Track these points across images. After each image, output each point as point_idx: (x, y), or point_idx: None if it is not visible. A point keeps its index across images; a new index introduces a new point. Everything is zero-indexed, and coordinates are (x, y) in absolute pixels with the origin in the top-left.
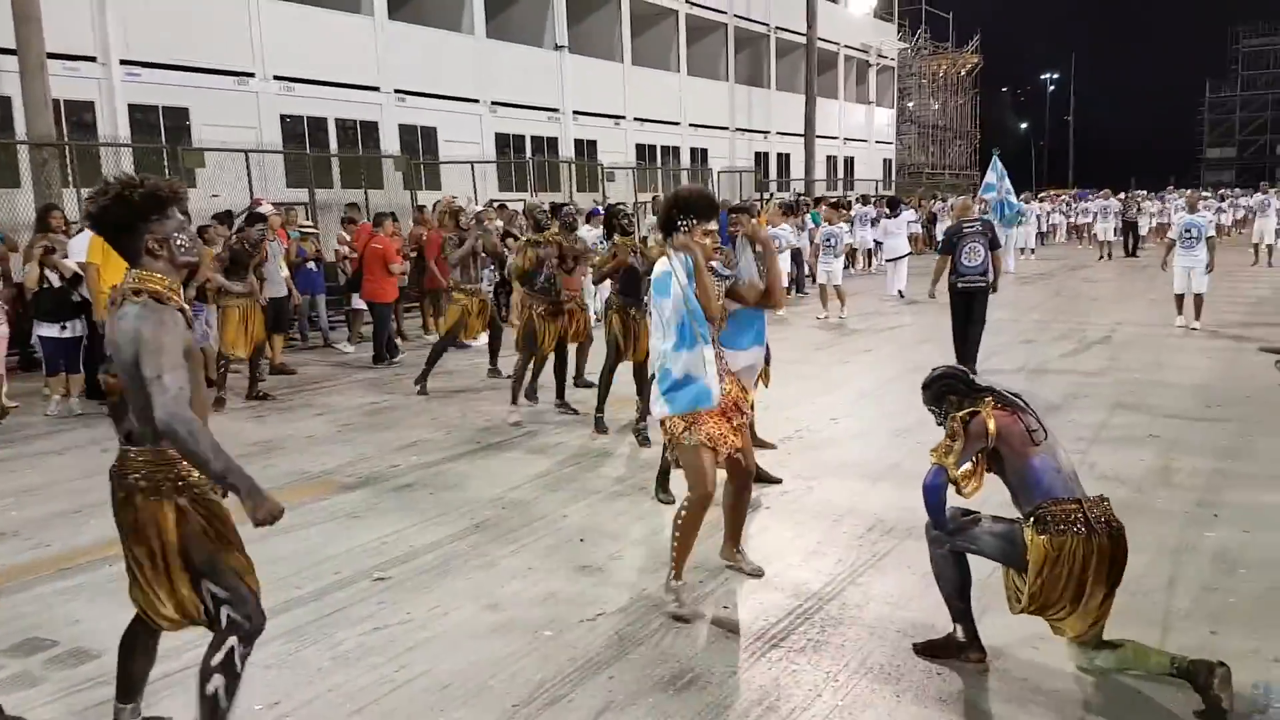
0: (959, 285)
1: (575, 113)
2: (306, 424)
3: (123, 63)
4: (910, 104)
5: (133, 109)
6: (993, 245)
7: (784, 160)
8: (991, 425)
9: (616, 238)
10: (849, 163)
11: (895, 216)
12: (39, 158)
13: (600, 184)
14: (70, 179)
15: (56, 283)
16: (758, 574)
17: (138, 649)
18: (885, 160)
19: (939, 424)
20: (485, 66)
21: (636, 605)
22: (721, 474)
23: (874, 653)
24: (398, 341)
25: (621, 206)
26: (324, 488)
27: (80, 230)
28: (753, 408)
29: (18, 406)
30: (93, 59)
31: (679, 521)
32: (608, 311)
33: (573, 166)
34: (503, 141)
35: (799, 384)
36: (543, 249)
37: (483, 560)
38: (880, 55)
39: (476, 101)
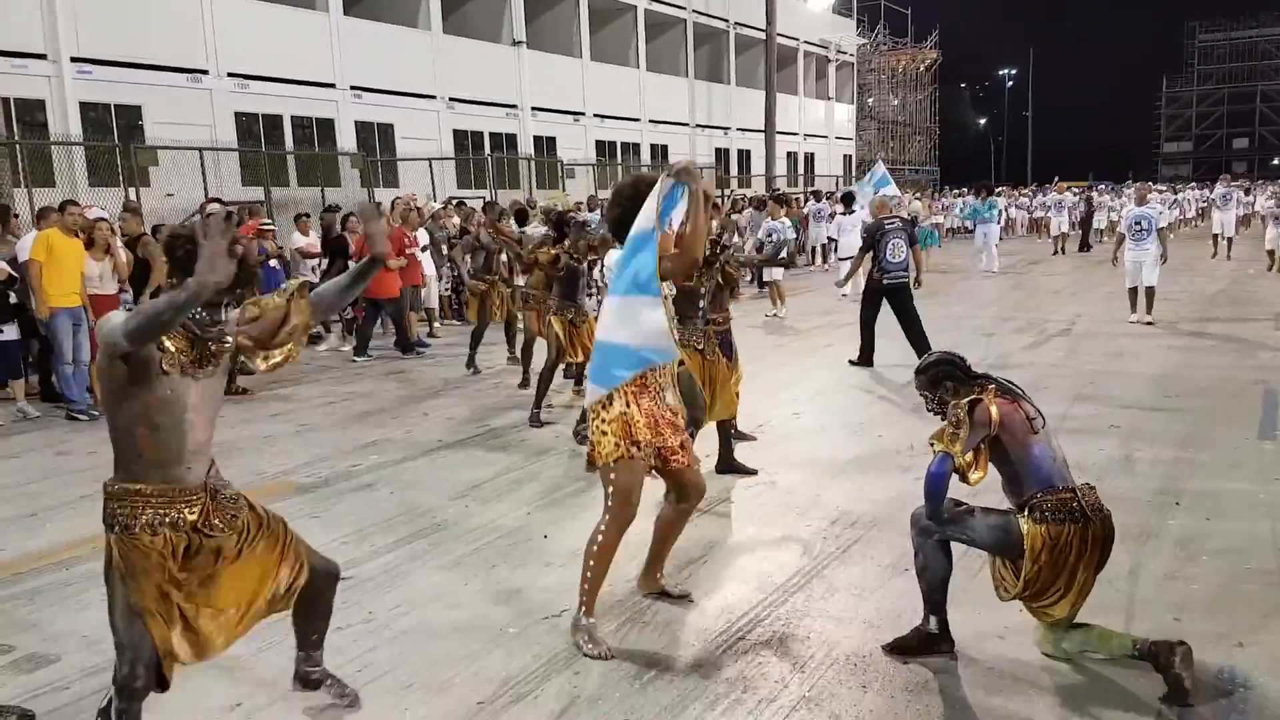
0: (885, 281)
1: (534, 109)
2: (265, 425)
3: (74, 60)
4: (870, 100)
5: (85, 106)
6: (911, 241)
7: (744, 156)
8: (995, 412)
9: (566, 243)
10: (809, 159)
11: (849, 213)
12: None
13: (560, 181)
14: (21, 178)
15: None
16: (686, 597)
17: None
18: (845, 156)
19: (929, 410)
20: (442, 62)
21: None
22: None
23: (840, 643)
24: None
25: (573, 215)
26: (281, 489)
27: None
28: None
29: None
30: (43, 56)
31: (594, 548)
32: (549, 315)
33: (532, 163)
34: (461, 138)
35: (761, 379)
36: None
37: (445, 559)
38: (839, 51)
39: (434, 98)
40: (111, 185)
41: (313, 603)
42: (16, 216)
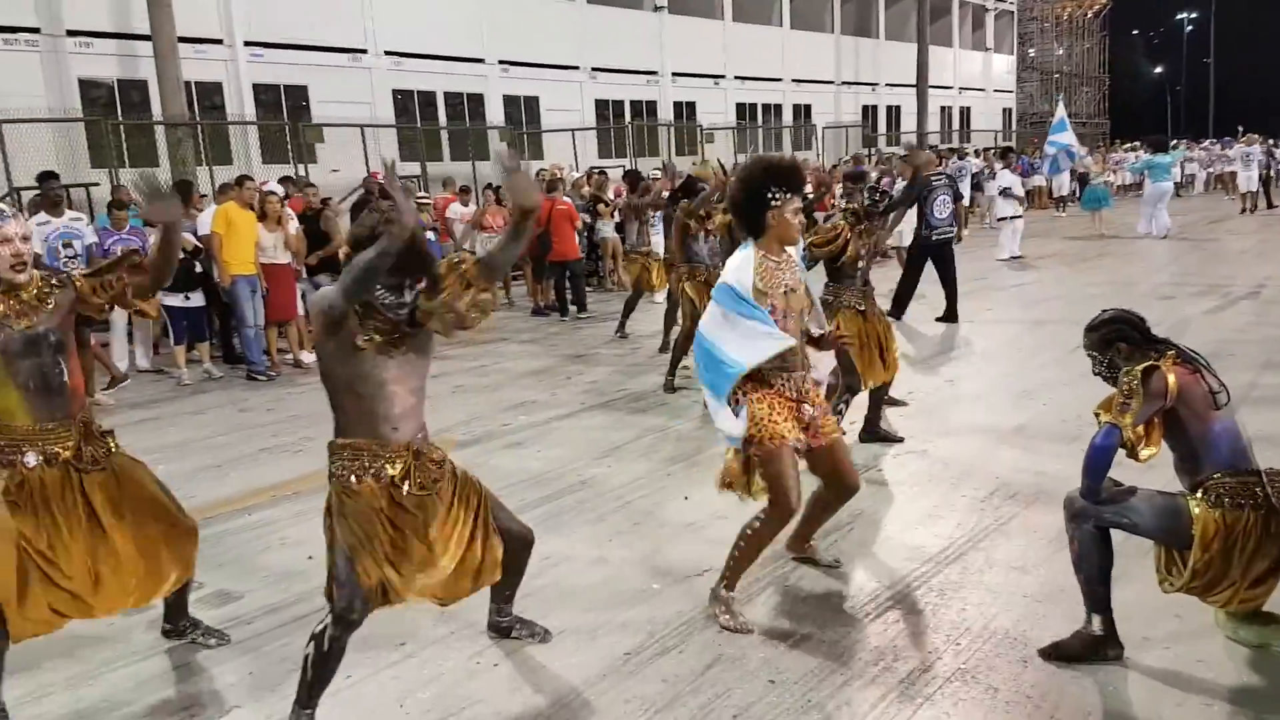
0: (932, 238)
1: (674, 74)
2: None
3: (247, 44)
4: (1032, 50)
5: (257, 88)
6: (956, 197)
7: (894, 113)
8: (1172, 382)
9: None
10: (965, 113)
11: (1008, 168)
12: (174, 137)
13: (699, 146)
14: (203, 157)
15: (184, 251)
16: (835, 564)
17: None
18: (1005, 110)
19: (1097, 373)
20: (585, 33)
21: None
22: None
23: (998, 616)
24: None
25: (703, 185)
26: (443, 444)
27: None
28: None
29: (128, 379)
30: (219, 41)
31: (748, 532)
32: (678, 282)
33: (671, 129)
34: (602, 108)
35: (913, 345)
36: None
37: (590, 515)
38: (998, 0)
39: (576, 69)
40: (282, 162)
41: (507, 566)
42: (204, 196)
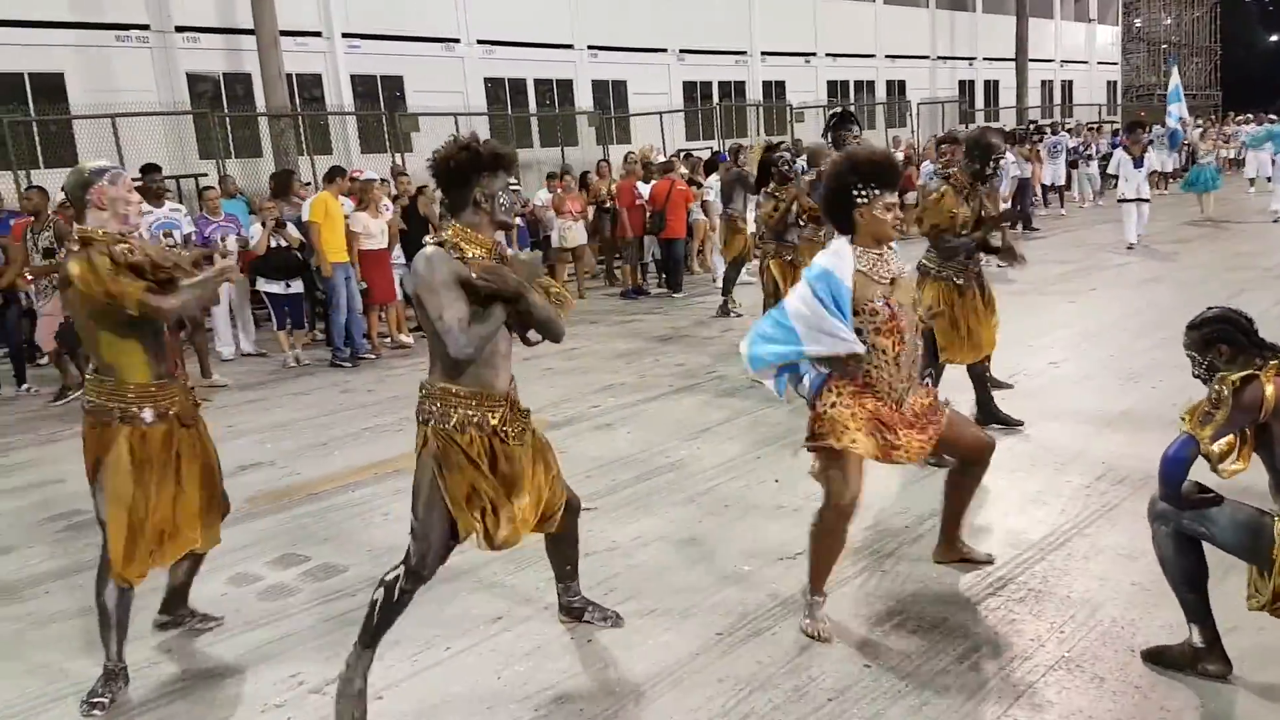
0: None
1: (764, 54)
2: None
3: (344, 36)
4: (1138, 20)
5: (355, 79)
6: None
7: (992, 88)
8: (1270, 394)
9: (773, 186)
10: (1066, 87)
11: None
12: (276, 128)
13: (789, 125)
14: (304, 147)
15: (282, 243)
16: (988, 560)
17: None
18: (1109, 83)
19: (1196, 375)
20: (673, 15)
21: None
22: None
23: (1104, 605)
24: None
25: (783, 153)
26: (535, 424)
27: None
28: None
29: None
30: (318, 34)
31: (812, 534)
32: (764, 259)
33: (760, 109)
34: (690, 89)
35: (1015, 325)
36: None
37: (680, 496)
38: None
39: (664, 51)
40: (380, 151)
41: (560, 533)
42: (308, 185)
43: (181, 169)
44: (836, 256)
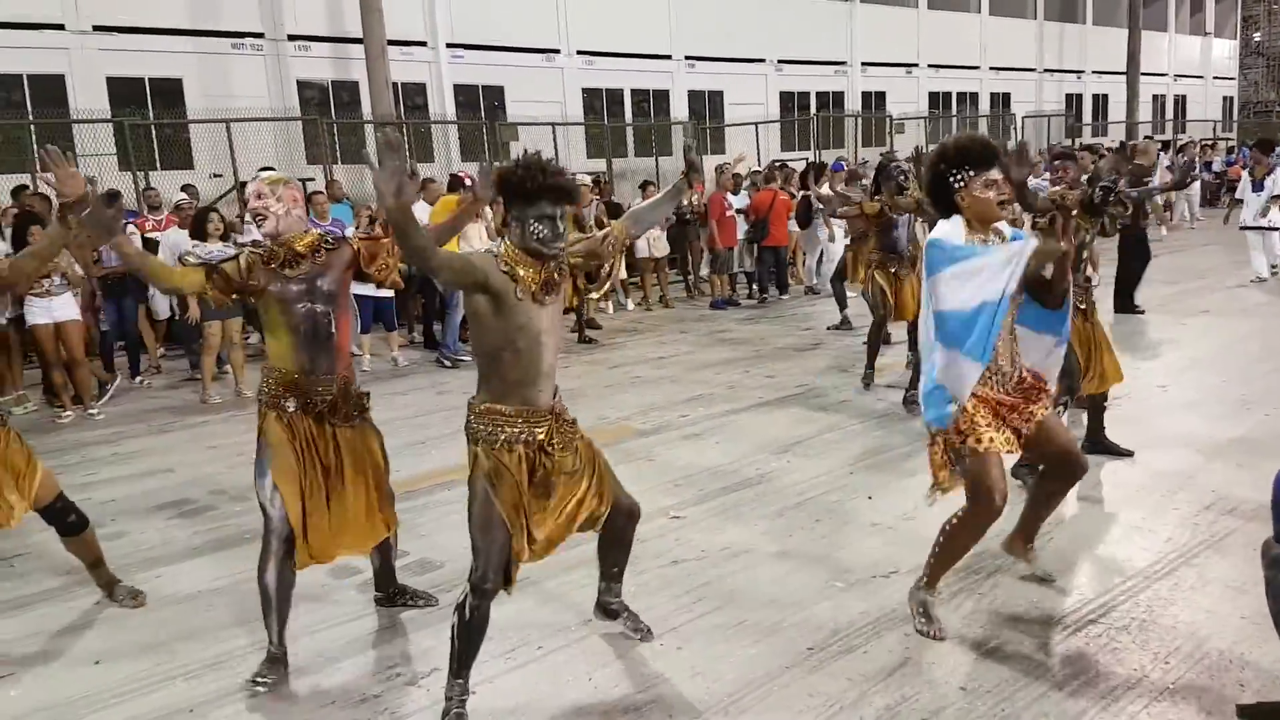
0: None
1: (864, 64)
2: (605, 375)
3: (449, 46)
4: (1257, 34)
5: (457, 89)
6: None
7: (1100, 102)
8: None
9: (886, 195)
10: (1179, 102)
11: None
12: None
13: (888, 136)
14: (408, 154)
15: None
16: (1050, 579)
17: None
18: (1225, 98)
19: None
20: (772, 25)
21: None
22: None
23: (1211, 638)
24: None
25: (898, 163)
26: (622, 432)
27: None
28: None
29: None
30: (423, 44)
31: (948, 528)
32: (869, 270)
33: (858, 120)
34: (787, 99)
35: (1120, 347)
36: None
37: (769, 509)
38: None
39: (763, 61)
40: (479, 159)
41: (614, 536)
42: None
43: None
44: (947, 234)
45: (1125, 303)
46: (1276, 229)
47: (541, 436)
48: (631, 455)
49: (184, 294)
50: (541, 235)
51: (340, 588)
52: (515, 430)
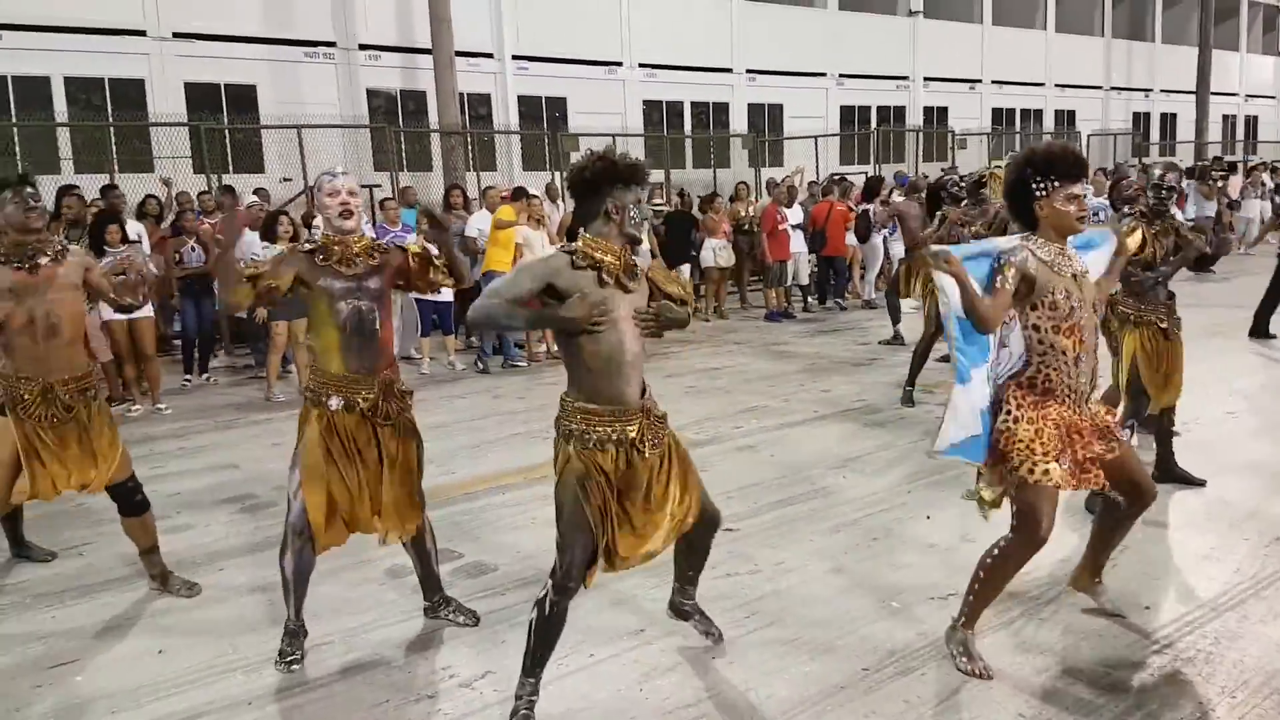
0: None
1: (926, 79)
2: (658, 384)
3: (514, 58)
4: None
5: (521, 100)
6: None
7: (1169, 121)
8: None
9: (945, 209)
10: (1251, 122)
11: None
12: (447, 144)
13: (950, 152)
14: (471, 163)
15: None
16: (1119, 614)
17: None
18: None
19: None
20: (835, 40)
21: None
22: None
23: None
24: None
25: (952, 176)
26: None
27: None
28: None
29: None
30: (490, 55)
31: (989, 561)
32: (928, 283)
33: (920, 135)
34: (847, 113)
35: (1189, 371)
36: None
37: (825, 525)
38: None
39: (824, 75)
40: (540, 169)
41: (695, 542)
42: (464, 194)
43: (357, 179)
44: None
45: (1259, 327)
46: None
47: (633, 434)
48: None
49: (241, 308)
50: (642, 218)
51: (396, 587)
52: (608, 430)
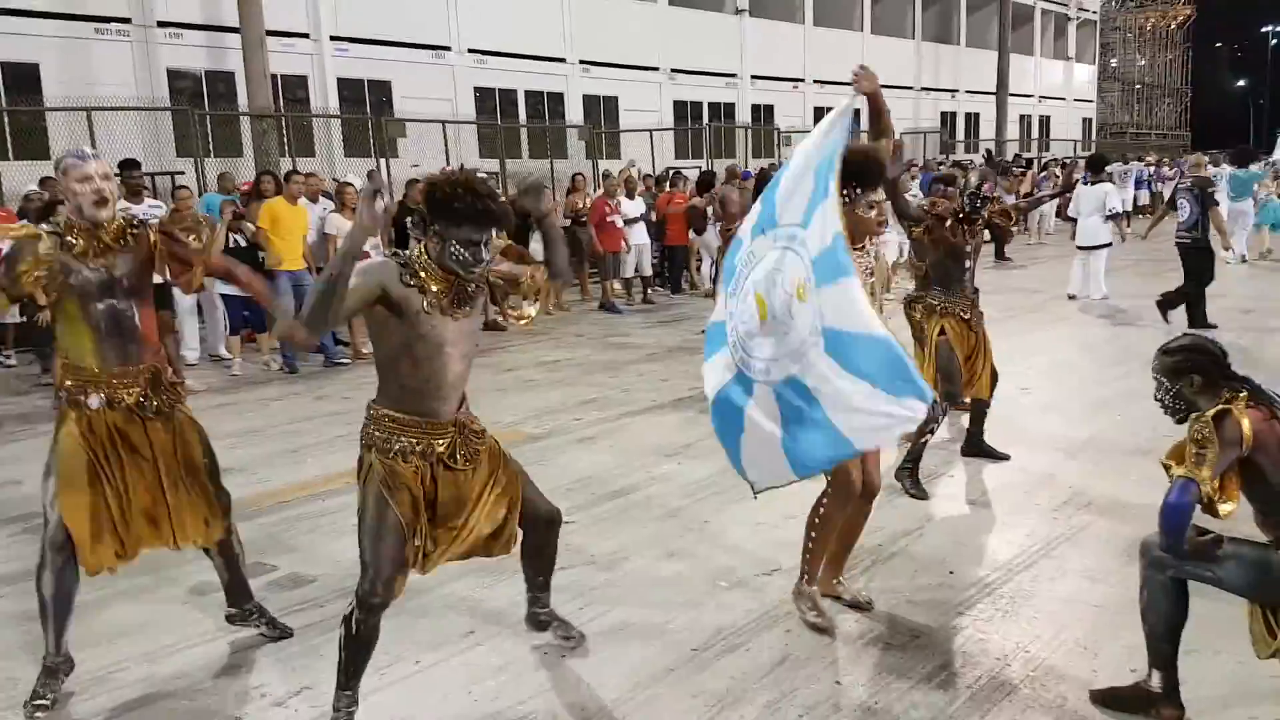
0: (1176, 240)
1: (753, 77)
2: (496, 378)
3: (333, 39)
4: (1114, 60)
5: (341, 83)
6: (1204, 203)
7: (973, 120)
8: (1246, 427)
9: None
10: (1044, 122)
11: (1095, 182)
12: (259, 129)
13: (776, 149)
14: (286, 148)
15: (242, 243)
16: (866, 606)
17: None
18: (1085, 119)
19: (1158, 399)
20: (666, 34)
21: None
22: None
23: (1070, 626)
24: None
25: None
26: (513, 436)
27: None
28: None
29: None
30: (305, 35)
31: (816, 520)
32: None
33: (749, 132)
34: (680, 109)
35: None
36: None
37: (660, 512)
38: (1081, 9)
39: (656, 70)
40: (364, 156)
41: (536, 545)
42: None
43: (158, 166)
44: None
45: (1195, 316)
46: (1091, 245)
47: (442, 449)
48: (524, 460)
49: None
50: (461, 259)
51: (203, 605)
52: (411, 440)
